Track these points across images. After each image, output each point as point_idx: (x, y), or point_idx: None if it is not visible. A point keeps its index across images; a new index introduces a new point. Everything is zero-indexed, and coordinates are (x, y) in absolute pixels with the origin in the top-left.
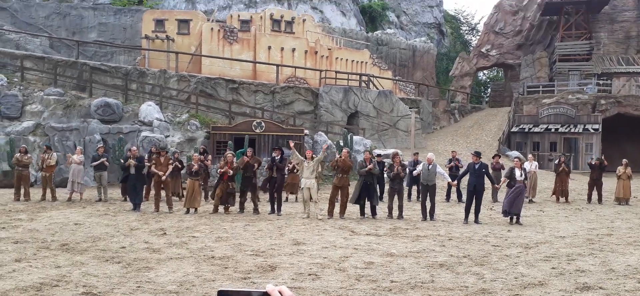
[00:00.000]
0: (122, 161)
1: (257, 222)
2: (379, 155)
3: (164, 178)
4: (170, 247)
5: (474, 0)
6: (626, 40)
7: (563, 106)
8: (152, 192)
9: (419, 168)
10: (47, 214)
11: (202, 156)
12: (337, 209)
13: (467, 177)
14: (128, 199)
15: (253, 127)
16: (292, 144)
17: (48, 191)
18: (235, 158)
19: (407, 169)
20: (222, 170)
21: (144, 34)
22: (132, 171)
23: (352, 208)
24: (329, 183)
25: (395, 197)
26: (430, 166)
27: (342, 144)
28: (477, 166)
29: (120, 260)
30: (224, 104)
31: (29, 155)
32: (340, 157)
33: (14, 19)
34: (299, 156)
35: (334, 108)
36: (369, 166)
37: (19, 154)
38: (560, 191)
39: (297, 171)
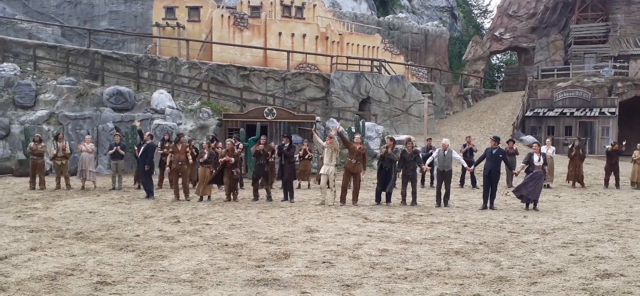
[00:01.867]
0: (134, 147)
1: (270, 209)
2: (393, 141)
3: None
4: (184, 235)
5: None
6: None
7: (578, 89)
8: (165, 179)
9: (435, 154)
10: (62, 203)
11: (213, 144)
12: (349, 195)
13: (482, 162)
14: (141, 187)
15: (264, 115)
16: (314, 130)
17: (62, 179)
18: (239, 145)
19: (420, 155)
20: (224, 159)
21: (154, 22)
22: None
23: (364, 195)
24: (341, 168)
25: (409, 184)
26: (445, 152)
27: (353, 130)
28: (494, 151)
29: (134, 248)
30: (236, 91)
31: (43, 144)
32: (355, 143)
33: (25, 9)
34: (321, 141)
35: (345, 94)
36: (382, 150)
37: (33, 143)
38: (574, 176)
39: (309, 157)
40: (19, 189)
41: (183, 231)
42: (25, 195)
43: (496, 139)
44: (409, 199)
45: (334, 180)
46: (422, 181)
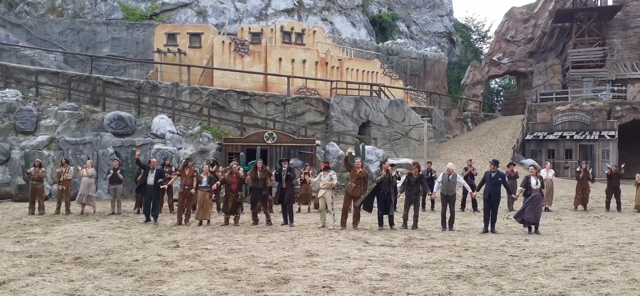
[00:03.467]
0: (134, 173)
1: (270, 233)
2: (392, 165)
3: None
4: (183, 260)
5: (485, 8)
6: None
7: (577, 113)
8: (165, 204)
9: (439, 178)
10: (61, 228)
11: (213, 168)
12: (350, 219)
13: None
14: (141, 211)
15: (265, 139)
16: (308, 172)
17: (62, 204)
18: (241, 168)
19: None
20: (221, 180)
21: (156, 48)
22: (150, 181)
23: (365, 219)
24: (341, 193)
25: (411, 207)
26: (450, 177)
27: (354, 154)
28: (493, 175)
29: (133, 273)
30: (236, 115)
31: (43, 169)
32: (355, 167)
33: (29, 36)
34: (314, 179)
35: (345, 118)
36: (382, 173)
37: (33, 168)
38: (582, 199)
39: (309, 182)
40: (18, 214)
41: (182, 255)
42: (25, 220)
43: (495, 163)
44: (410, 222)
45: (332, 203)
46: (423, 204)
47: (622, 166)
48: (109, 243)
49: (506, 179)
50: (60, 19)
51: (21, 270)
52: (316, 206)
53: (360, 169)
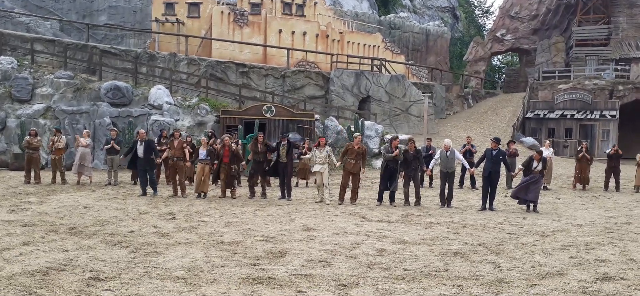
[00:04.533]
0: (130, 143)
1: (267, 207)
2: (396, 139)
3: (188, 164)
4: (179, 232)
5: None
6: None
7: (579, 91)
8: (161, 176)
9: (437, 155)
10: (57, 198)
11: (211, 140)
12: (348, 195)
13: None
14: (137, 182)
15: (263, 112)
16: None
17: (58, 174)
18: (238, 142)
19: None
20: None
21: (153, 17)
22: (140, 153)
23: (362, 194)
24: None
25: (411, 183)
26: (448, 153)
27: (353, 129)
28: (494, 153)
29: (129, 244)
30: (234, 88)
31: (39, 138)
32: (353, 143)
33: (24, 2)
34: (308, 156)
35: (345, 93)
36: (395, 152)
37: (29, 136)
38: (580, 178)
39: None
40: (14, 183)
41: (178, 227)
42: (20, 189)
43: (497, 141)
44: (412, 199)
45: (327, 177)
46: (421, 180)
47: (617, 146)
48: (105, 213)
49: (506, 157)
50: None
51: (15, 239)
52: (315, 182)
53: (359, 145)
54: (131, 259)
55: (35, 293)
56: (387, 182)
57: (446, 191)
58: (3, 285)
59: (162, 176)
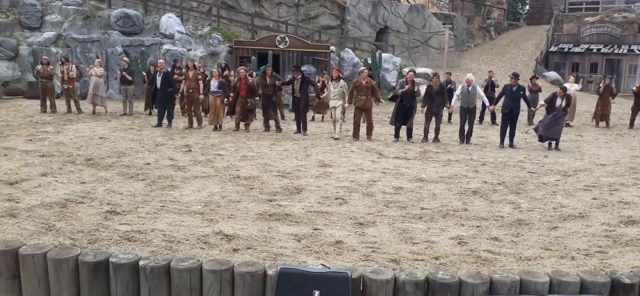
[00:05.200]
0: (143, 73)
1: (283, 141)
2: (413, 72)
3: (202, 97)
4: (195, 165)
5: None
6: None
7: (607, 25)
8: (177, 107)
9: (458, 90)
10: (73, 127)
11: (225, 72)
12: (363, 131)
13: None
14: (151, 113)
15: (277, 43)
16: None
17: (72, 103)
18: (252, 73)
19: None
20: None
21: None
22: (158, 85)
23: (379, 130)
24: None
25: (433, 119)
26: (469, 88)
27: (369, 61)
28: (514, 89)
29: (145, 177)
30: (246, 17)
31: (51, 66)
32: (360, 78)
33: None
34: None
35: (361, 23)
36: (406, 87)
37: (40, 66)
38: (601, 115)
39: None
40: (30, 111)
41: (194, 160)
42: (37, 118)
43: (515, 76)
44: (431, 135)
45: (343, 113)
46: (449, 118)
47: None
48: (121, 144)
49: (526, 92)
50: None
51: (33, 170)
52: (331, 116)
53: (366, 80)
54: (148, 192)
55: (54, 225)
56: (402, 118)
57: (466, 128)
58: (23, 217)
59: (177, 107)
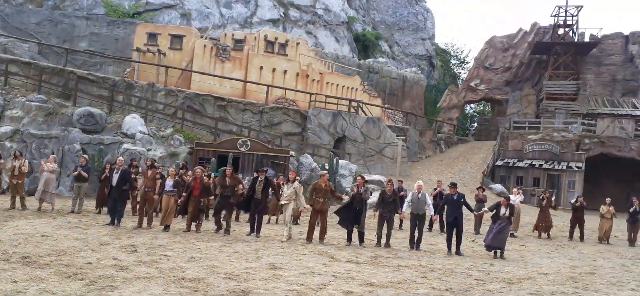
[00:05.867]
0: (99, 171)
1: (234, 243)
2: (362, 178)
3: (156, 196)
4: (139, 265)
5: (466, 34)
6: (612, 82)
7: (548, 142)
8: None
9: (409, 197)
10: (14, 224)
11: (181, 172)
12: (316, 234)
13: (446, 208)
14: (101, 212)
15: (238, 146)
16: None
17: (17, 199)
18: (210, 175)
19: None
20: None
21: (135, 47)
22: (114, 182)
23: (332, 233)
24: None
25: (385, 224)
26: (420, 195)
27: (327, 167)
28: (455, 198)
29: (84, 277)
30: (211, 120)
31: (2, 161)
32: (320, 181)
33: (4, 23)
34: (286, 191)
35: (321, 131)
36: (355, 190)
37: None
38: (544, 227)
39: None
40: None
41: (139, 261)
42: None
43: (454, 186)
44: (383, 240)
45: (290, 214)
46: (400, 225)
47: (580, 198)
48: (63, 242)
49: (471, 199)
50: (38, 10)
51: None
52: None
53: (326, 183)
54: (85, 293)
55: None
56: (352, 221)
57: (416, 234)
58: None
59: (128, 206)
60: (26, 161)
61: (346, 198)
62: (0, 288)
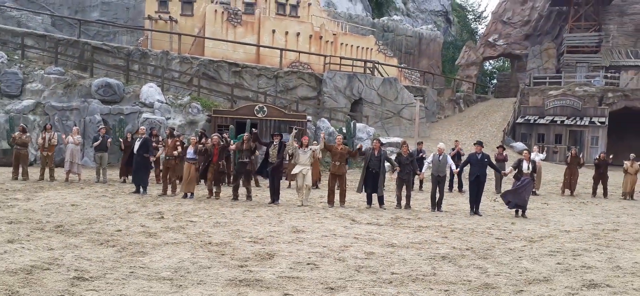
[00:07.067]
0: (120, 139)
1: (257, 208)
2: (378, 141)
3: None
4: (167, 231)
5: None
6: (636, 33)
7: (570, 98)
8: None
9: (430, 159)
10: (44, 195)
11: (202, 140)
12: (337, 197)
13: (469, 167)
14: (126, 181)
15: (255, 112)
16: (294, 131)
17: (46, 171)
18: (228, 139)
19: (414, 158)
20: (202, 151)
21: (147, 15)
22: (135, 149)
23: (353, 196)
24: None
25: (404, 186)
26: (440, 157)
27: (344, 131)
28: (479, 156)
29: (115, 244)
30: (227, 87)
31: (27, 134)
32: (335, 144)
33: None
34: (294, 143)
35: (337, 94)
36: (374, 149)
37: (17, 133)
38: (569, 184)
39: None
40: (1, 179)
41: (166, 227)
42: (7, 185)
43: (479, 144)
44: (403, 202)
45: (310, 178)
46: (420, 186)
47: (611, 156)
48: (92, 211)
49: (492, 159)
50: None
51: (0, 237)
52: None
53: (341, 146)
54: (117, 259)
55: (17, 292)
56: (371, 185)
57: (437, 195)
58: None
59: (152, 174)
60: (55, 133)
61: (362, 149)
62: (39, 255)
